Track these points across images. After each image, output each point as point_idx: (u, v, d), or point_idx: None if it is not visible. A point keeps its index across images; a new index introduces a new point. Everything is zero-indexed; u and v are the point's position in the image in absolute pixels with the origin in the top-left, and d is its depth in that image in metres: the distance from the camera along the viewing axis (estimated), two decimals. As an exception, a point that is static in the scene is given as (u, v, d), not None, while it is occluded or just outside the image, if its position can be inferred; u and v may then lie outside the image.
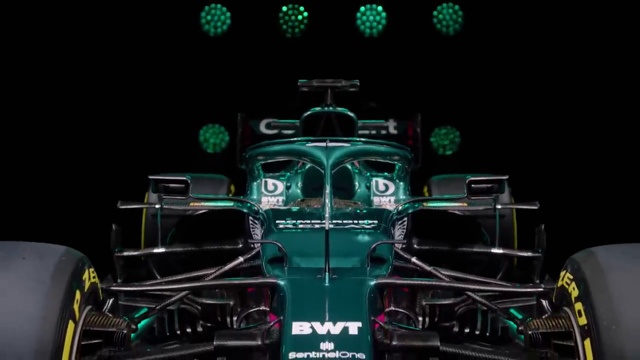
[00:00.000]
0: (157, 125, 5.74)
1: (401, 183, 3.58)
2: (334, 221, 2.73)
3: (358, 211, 3.04)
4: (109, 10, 5.79)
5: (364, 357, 1.97)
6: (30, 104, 5.66)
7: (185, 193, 3.07)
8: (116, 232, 3.04)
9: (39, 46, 5.69)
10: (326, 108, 4.08)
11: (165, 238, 3.47)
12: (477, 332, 2.74)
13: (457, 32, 6.16)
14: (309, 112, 4.04)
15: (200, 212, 3.55)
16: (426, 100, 5.55)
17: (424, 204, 3.35)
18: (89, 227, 3.69)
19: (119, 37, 5.81)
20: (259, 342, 2.09)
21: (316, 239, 2.40)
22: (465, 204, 3.37)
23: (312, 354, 1.96)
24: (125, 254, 3.07)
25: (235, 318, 2.67)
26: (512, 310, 2.62)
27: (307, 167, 3.58)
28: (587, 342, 2.02)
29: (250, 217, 3.20)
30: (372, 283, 2.29)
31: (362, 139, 3.62)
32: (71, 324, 2.04)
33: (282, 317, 2.12)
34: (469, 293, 2.57)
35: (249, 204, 3.24)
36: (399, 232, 3.14)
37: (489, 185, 3.07)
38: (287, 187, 3.58)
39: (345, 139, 3.39)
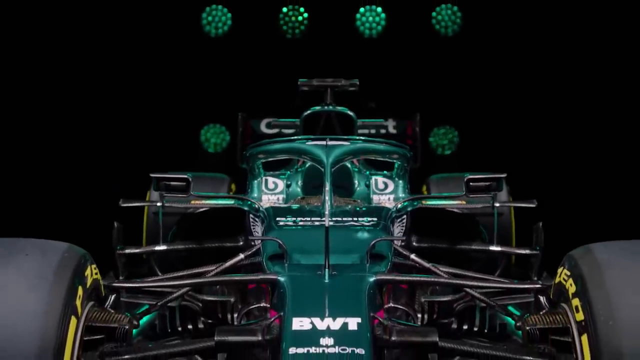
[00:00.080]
0: (159, 125, 5.76)
1: (400, 181, 3.60)
2: (334, 218, 2.75)
3: (357, 209, 3.06)
4: (113, 12, 5.82)
5: (363, 352, 1.98)
6: (34, 103, 5.69)
7: (186, 191, 3.09)
8: (118, 230, 3.06)
9: (44, 47, 5.71)
10: (326, 107, 4.11)
11: (167, 236, 3.49)
12: (475, 329, 2.76)
13: (455, 33, 6.18)
14: (309, 111, 4.07)
15: (201, 210, 3.57)
16: (425, 100, 5.57)
17: (423, 201, 3.37)
18: (91, 225, 3.72)
19: (122, 38, 5.83)
20: (260, 338, 2.10)
21: (316, 236, 2.42)
22: (464, 202, 3.40)
23: (312, 349, 1.98)
24: (127, 251, 3.10)
25: (235, 315, 2.68)
26: (510, 308, 2.63)
27: (307, 165, 3.60)
28: (585, 337, 2.03)
29: (251, 215, 3.22)
30: (372, 279, 2.31)
31: (361, 138, 3.64)
32: (73, 320, 2.05)
33: (282, 313, 2.14)
34: (468, 289, 2.59)
35: (249, 202, 3.26)
36: (398, 230, 3.16)
37: (487, 184, 3.08)
38: (288, 186, 3.60)
39: (345, 137, 3.41)
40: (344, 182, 3.53)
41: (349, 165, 3.65)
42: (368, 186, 3.62)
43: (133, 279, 3.01)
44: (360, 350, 1.98)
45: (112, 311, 2.31)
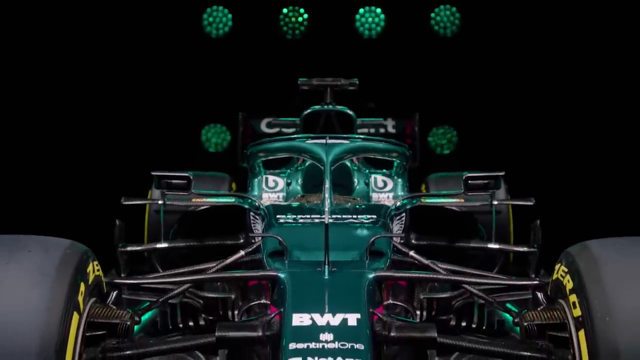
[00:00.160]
0: (161, 125, 5.78)
1: (399, 180, 3.62)
2: (334, 216, 2.77)
3: (357, 206, 3.08)
4: (116, 14, 5.85)
5: (362, 347, 2.00)
6: (38, 102, 5.70)
7: (187, 189, 3.11)
8: (120, 228, 3.08)
9: (48, 48, 5.73)
10: (326, 106, 4.12)
11: (168, 234, 3.52)
12: (473, 326, 2.78)
13: (454, 34, 6.19)
14: (308, 110, 4.08)
15: (202, 208, 3.60)
16: (424, 100, 5.59)
17: (422, 199, 3.39)
18: (94, 223, 3.73)
19: (125, 39, 5.85)
20: (260, 334, 2.12)
21: (316, 233, 2.44)
22: (462, 200, 3.42)
23: (312, 345, 1.99)
24: (129, 249, 3.12)
25: (236, 311, 2.70)
26: (508, 305, 2.65)
27: (307, 164, 3.62)
28: (582, 333, 2.04)
29: (251, 213, 3.25)
30: (371, 276, 2.33)
31: (361, 136, 3.67)
32: (76, 316, 2.06)
33: (282, 309, 2.16)
34: (466, 286, 2.60)
35: (250, 200, 3.28)
36: (397, 228, 3.18)
37: (486, 182, 3.10)
38: (288, 184, 3.62)
39: (345, 135, 3.43)
40: (343, 181, 3.55)
41: (349, 164, 3.67)
42: (367, 184, 3.64)
43: (134, 276, 3.02)
44: (359, 346, 2.00)
45: (114, 307, 2.32)
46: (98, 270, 2.32)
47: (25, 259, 2.07)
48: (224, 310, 2.69)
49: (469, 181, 3.11)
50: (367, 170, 3.75)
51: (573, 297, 2.11)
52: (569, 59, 5.86)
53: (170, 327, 2.75)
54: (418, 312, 2.73)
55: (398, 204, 3.25)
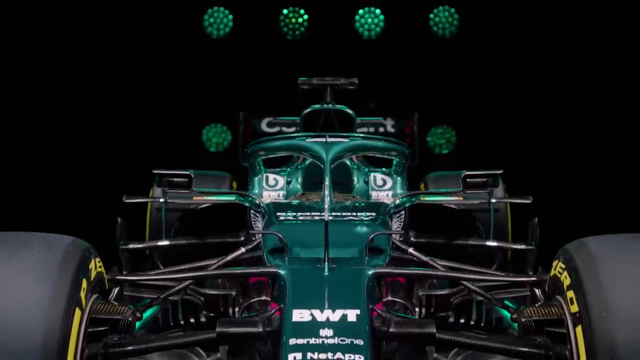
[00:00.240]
0: (162, 125, 5.80)
1: (398, 178, 3.64)
2: (333, 213, 2.79)
3: (357, 204, 3.10)
4: (119, 15, 5.87)
5: (362, 343, 2.01)
6: (41, 101, 5.72)
7: (188, 187, 3.12)
8: (121, 226, 3.09)
9: (53, 48, 5.76)
10: (325, 105, 4.14)
11: (169, 231, 3.53)
12: (472, 322, 2.79)
13: (452, 35, 6.22)
14: (308, 110, 4.10)
15: (203, 206, 3.61)
16: (423, 100, 5.61)
17: (421, 197, 3.41)
18: (96, 221, 3.75)
19: (127, 40, 5.88)
20: (260, 329, 2.13)
21: (316, 230, 2.46)
22: (461, 198, 3.44)
23: (312, 340, 2.01)
24: (131, 246, 3.13)
25: (237, 308, 2.71)
26: (506, 302, 2.67)
27: (307, 162, 3.64)
28: (579, 328, 2.06)
29: (252, 211, 3.26)
30: (370, 272, 2.34)
31: (360, 134, 3.69)
32: (78, 312, 2.07)
33: (282, 305, 2.17)
34: (464, 282, 2.62)
35: (250, 198, 3.30)
36: (396, 225, 3.19)
37: (484, 180, 3.12)
38: (288, 182, 3.64)
39: (344, 134, 3.44)
40: (343, 179, 3.57)
41: (348, 163, 3.69)
42: (367, 183, 3.65)
43: (136, 272, 3.04)
44: (359, 341, 2.02)
45: (116, 304, 2.33)
46: (100, 266, 2.34)
47: (27, 255, 2.08)
48: (224, 307, 2.70)
49: (468, 179, 3.12)
50: (366, 169, 3.76)
51: (570, 294, 2.13)
52: (566, 59, 5.89)
53: (172, 324, 2.76)
54: (417, 309, 2.74)
55: (397, 201, 3.26)
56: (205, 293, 2.72)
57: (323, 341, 2.01)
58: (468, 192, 3.18)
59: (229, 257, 2.67)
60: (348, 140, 3.29)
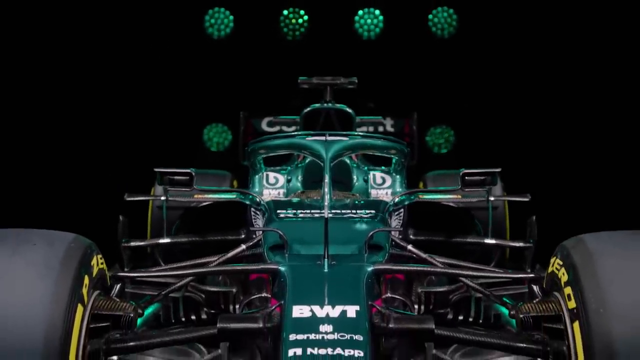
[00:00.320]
0: (163, 125, 5.81)
1: (398, 176, 3.65)
2: (333, 211, 2.79)
3: (356, 202, 3.11)
4: (120, 15, 5.89)
5: (361, 338, 2.02)
6: (43, 100, 5.72)
7: (189, 185, 3.14)
8: (123, 224, 3.11)
9: (54, 48, 5.75)
10: (325, 104, 4.16)
11: (171, 229, 3.54)
12: (470, 319, 2.81)
13: (451, 35, 6.23)
14: (308, 109, 4.11)
15: (204, 204, 3.63)
16: (422, 100, 5.63)
17: (420, 195, 3.42)
18: (98, 219, 3.78)
19: (129, 41, 5.89)
20: (261, 325, 2.14)
21: (316, 227, 2.47)
22: (459, 196, 3.46)
23: (312, 336, 2.02)
24: (132, 244, 3.14)
25: (237, 305, 2.73)
26: (504, 298, 2.68)
27: (307, 161, 3.65)
28: (576, 324, 2.07)
29: (252, 209, 3.27)
30: (370, 269, 2.35)
31: (360, 133, 3.70)
32: (80, 308, 2.08)
33: (283, 301, 2.18)
34: (463, 279, 2.63)
35: (251, 196, 3.32)
36: (395, 223, 3.20)
37: (482, 178, 3.12)
38: (288, 181, 3.65)
39: (344, 133, 3.46)
40: (342, 177, 3.58)
41: (348, 161, 3.70)
42: (366, 181, 3.67)
43: (137, 269, 3.06)
44: (358, 337, 2.03)
45: (118, 300, 2.34)
46: (102, 263, 2.35)
47: (30, 252, 2.09)
48: (225, 303, 2.71)
49: (466, 177, 3.13)
50: (366, 167, 3.78)
51: (568, 290, 2.14)
52: (564, 58, 5.90)
53: (173, 321, 2.77)
54: (416, 306, 2.75)
55: (396, 199, 3.27)
56: (206, 290, 2.74)
57: (323, 337, 2.03)
58: (466, 190, 3.20)
59: (230, 254, 2.69)
60: (348, 138, 3.31)
